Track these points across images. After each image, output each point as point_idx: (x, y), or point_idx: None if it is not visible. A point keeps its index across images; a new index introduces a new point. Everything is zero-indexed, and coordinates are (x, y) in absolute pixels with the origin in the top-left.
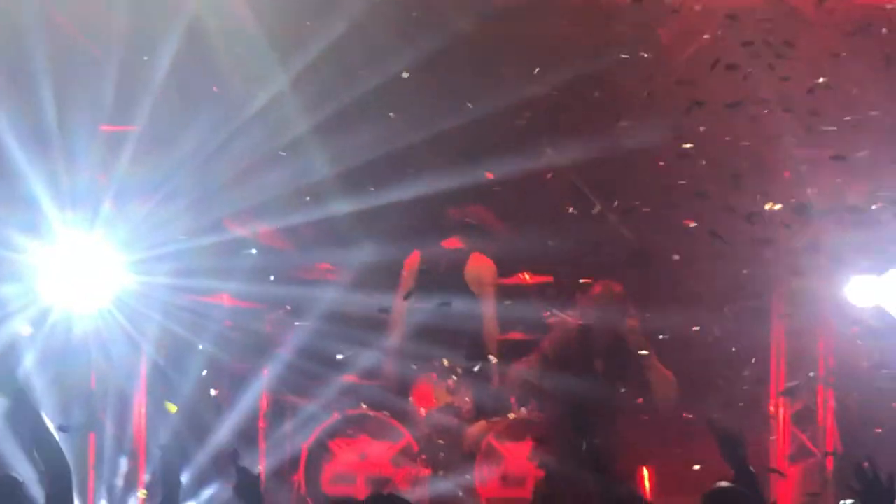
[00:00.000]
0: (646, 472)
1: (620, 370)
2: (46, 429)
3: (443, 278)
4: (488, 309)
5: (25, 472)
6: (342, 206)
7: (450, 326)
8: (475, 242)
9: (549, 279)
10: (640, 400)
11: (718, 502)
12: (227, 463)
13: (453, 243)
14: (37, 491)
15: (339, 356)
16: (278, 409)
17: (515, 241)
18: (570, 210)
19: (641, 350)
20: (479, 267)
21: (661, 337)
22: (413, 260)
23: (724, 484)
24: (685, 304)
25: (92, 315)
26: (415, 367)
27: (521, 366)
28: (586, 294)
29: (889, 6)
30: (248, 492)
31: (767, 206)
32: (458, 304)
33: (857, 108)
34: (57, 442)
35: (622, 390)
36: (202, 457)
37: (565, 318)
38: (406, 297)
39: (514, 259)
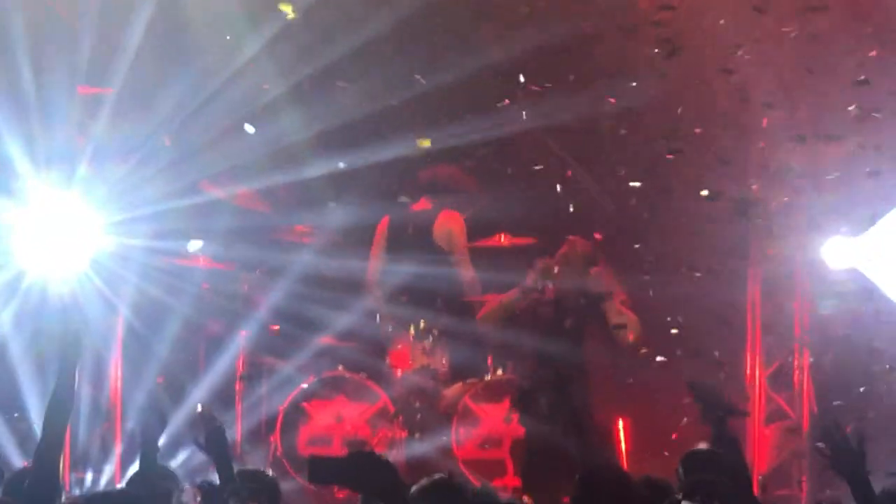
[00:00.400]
0: (621, 428)
1: (591, 327)
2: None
3: (411, 239)
4: (464, 266)
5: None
6: (317, 169)
7: (425, 287)
8: (445, 202)
9: (529, 241)
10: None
11: (698, 464)
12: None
13: (423, 205)
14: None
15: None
16: (255, 371)
17: (490, 203)
18: (538, 170)
19: (604, 294)
20: (448, 224)
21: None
22: (383, 224)
23: (703, 446)
24: (662, 265)
25: (68, 277)
26: (391, 328)
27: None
28: (551, 254)
29: None
30: (216, 444)
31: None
32: (431, 265)
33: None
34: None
35: (593, 347)
36: (179, 419)
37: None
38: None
39: (491, 221)
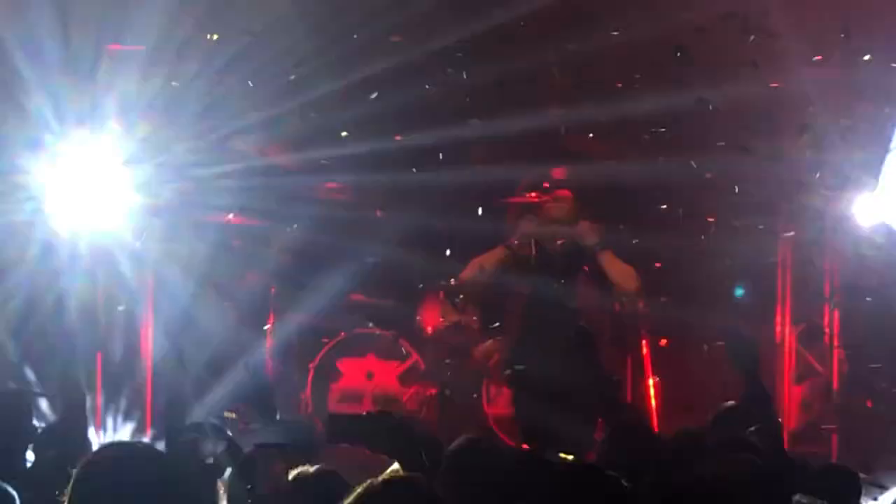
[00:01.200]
0: (651, 387)
1: (586, 280)
2: (54, 351)
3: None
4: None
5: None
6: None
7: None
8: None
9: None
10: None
11: (730, 420)
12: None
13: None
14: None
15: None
16: (285, 328)
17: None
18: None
19: (594, 245)
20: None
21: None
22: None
23: (732, 403)
24: (692, 220)
25: (99, 233)
26: (422, 285)
27: None
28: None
29: None
30: (261, 398)
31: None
32: None
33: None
34: (69, 364)
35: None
36: (205, 374)
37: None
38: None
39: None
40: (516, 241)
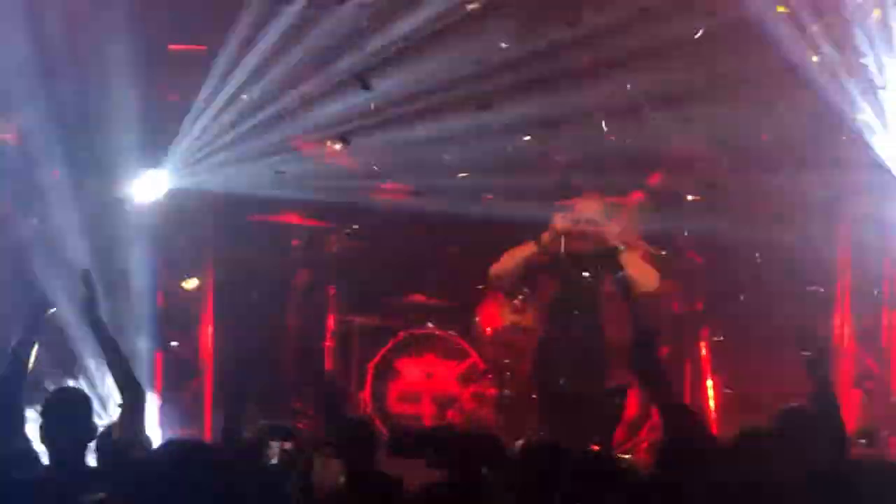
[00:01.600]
0: (710, 388)
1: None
2: (119, 351)
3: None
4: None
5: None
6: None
7: None
8: None
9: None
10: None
11: (795, 422)
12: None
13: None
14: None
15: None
16: (344, 329)
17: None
18: None
19: (621, 245)
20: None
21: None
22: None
23: (797, 405)
24: (752, 220)
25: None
26: (481, 285)
27: None
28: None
29: None
30: (332, 407)
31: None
32: None
33: None
34: (128, 363)
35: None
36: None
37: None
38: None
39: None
40: (547, 238)
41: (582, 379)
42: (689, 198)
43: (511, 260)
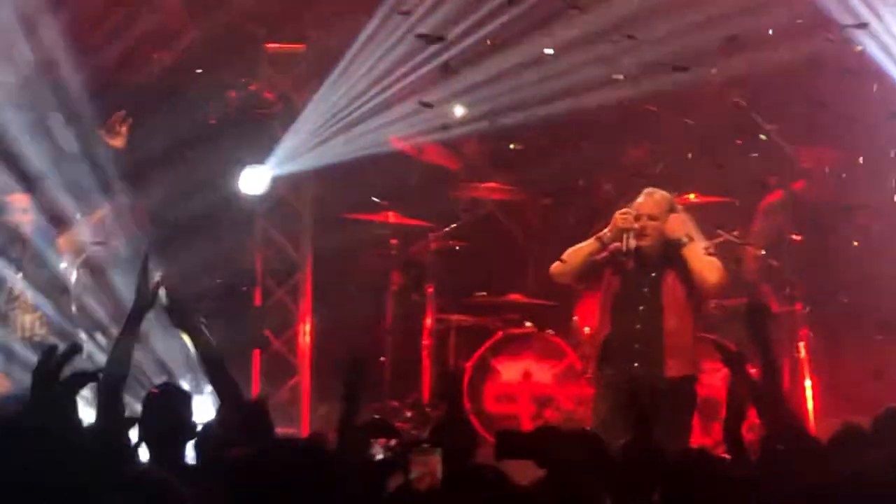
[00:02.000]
0: (809, 387)
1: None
2: (220, 362)
3: None
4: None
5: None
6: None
7: None
8: None
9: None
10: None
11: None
12: None
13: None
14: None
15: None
16: (441, 328)
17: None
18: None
19: (683, 239)
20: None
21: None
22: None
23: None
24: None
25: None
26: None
27: None
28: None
29: None
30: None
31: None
32: None
33: None
34: (223, 362)
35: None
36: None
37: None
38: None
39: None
40: (609, 234)
41: (645, 371)
42: None
43: (573, 257)
